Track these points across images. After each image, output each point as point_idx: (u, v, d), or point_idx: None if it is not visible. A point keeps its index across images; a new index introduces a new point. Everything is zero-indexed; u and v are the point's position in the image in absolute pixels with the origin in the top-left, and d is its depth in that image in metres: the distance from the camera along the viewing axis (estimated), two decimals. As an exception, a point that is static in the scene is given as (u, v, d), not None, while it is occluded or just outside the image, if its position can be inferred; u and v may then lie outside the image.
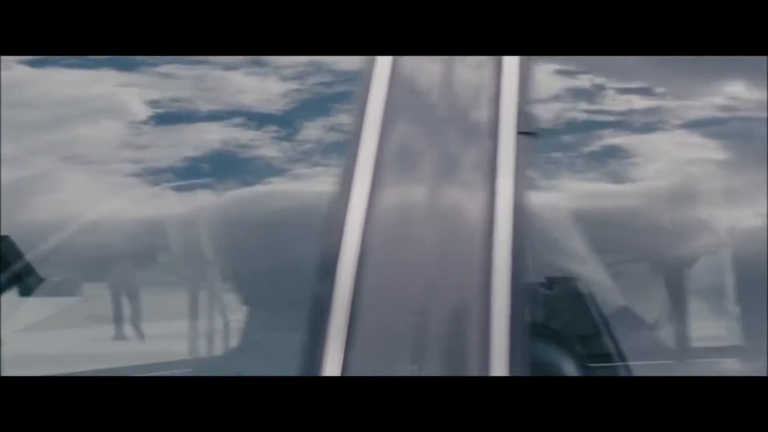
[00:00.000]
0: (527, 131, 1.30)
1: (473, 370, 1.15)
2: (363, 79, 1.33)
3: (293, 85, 1.64)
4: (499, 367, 1.15)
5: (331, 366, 1.15)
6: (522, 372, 1.15)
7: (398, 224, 1.24)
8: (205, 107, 1.73)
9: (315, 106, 1.64)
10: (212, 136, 1.71)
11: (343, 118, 1.50)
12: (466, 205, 1.25)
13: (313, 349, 1.17)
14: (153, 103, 1.72)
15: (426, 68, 1.35)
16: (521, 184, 1.26)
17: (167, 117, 1.73)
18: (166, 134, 1.76)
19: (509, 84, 1.33)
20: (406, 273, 1.21)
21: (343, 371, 1.14)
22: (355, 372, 1.15)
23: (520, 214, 1.24)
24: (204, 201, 1.78)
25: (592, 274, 2.20)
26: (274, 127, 1.66)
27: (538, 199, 2.06)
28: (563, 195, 1.97)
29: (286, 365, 1.21)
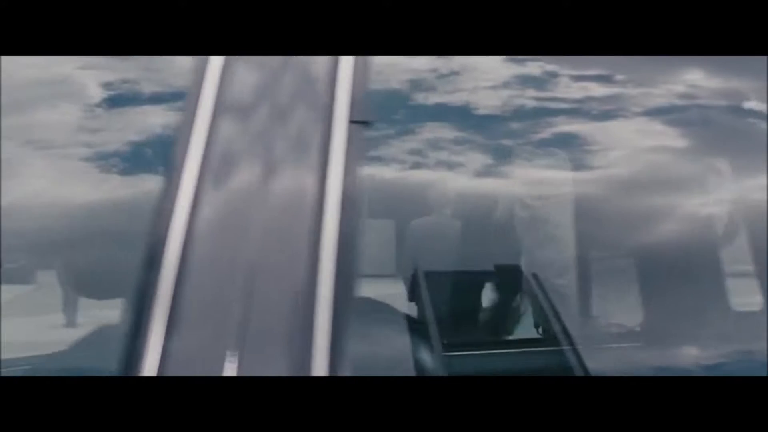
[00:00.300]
0: (359, 120, 1.31)
1: (294, 366, 1.14)
2: (197, 72, 1.33)
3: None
4: (321, 363, 1.14)
5: (151, 362, 1.13)
6: (344, 368, 1.15)
7: (225, 217, 1.23)
8: (154, 89, 1.69)
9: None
10: (160, 120, 1.67)
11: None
12: (296, 197, 1.25)
13: (133, 343, 1.15)
14: (107, 86, 1.67)
15: (261, 62, 1.35)
16: (352, 173, 1.26)
17: (120, 100, 1.68)
18: (119, 117, 1.71)
19: (344, 75, 1.34)
20: (232, 266, 1.20)
21: (160, 368, 1.13)
22: (173, 368, 1.13)
23: (349, 204, 1.24)
24: (150, 187, 1.75)
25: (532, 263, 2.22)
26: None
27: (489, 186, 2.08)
28: (513, 182, 1.98)
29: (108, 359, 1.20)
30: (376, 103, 1.68)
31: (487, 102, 1.75)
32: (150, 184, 1.72)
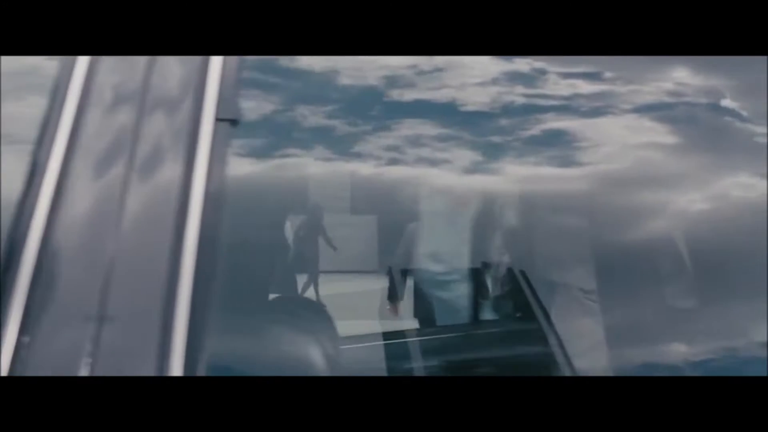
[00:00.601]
0: (226, 118, 1.31)
1: (151, 366, 1.13)
2: (64, 69, 1.34)
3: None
4: (177, 363, 1.14)
5: (3, 362, 1.12)
6: (200, 368, 1.15)
7: (86, 216, 1.23)
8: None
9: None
10: None
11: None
12: (159, 195, 1.25)
13: None
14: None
15: (128, 61, 1.35)
16: (218, 171, 1.27)
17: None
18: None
19: (213, 74, 1.35)
20: (91, 264, 1.20)
21: (12, 368, 1.12)
22: (26, 368, 1.12)
23: (212, 200, 1.24)
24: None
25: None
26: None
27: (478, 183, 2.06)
28: (502, 178, 1.97)
29: None
30: (359, 99, 1.67)
31: (474, 99, 1.74)
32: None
